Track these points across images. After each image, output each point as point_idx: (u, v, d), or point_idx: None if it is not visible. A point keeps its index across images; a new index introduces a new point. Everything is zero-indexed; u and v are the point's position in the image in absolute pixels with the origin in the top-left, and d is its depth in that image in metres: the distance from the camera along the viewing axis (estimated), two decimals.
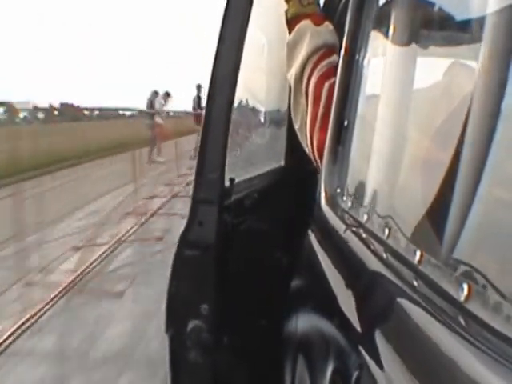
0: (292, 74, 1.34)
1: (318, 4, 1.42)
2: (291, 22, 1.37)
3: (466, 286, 0.49)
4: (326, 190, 1.06)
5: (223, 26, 1.35)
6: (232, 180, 1.44)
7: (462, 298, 0.49)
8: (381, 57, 0.95)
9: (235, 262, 1.47)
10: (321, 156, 1.16)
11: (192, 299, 1.40)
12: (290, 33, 1.37)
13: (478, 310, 0.47)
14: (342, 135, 1.04)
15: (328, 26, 1.35)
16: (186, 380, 1.47)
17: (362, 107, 1.00)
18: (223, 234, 1.40)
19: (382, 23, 0.96)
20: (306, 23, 1.33)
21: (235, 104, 1.44)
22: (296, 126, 1.37)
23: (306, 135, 1.28)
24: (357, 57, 1.04)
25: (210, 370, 1.43)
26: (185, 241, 1.39)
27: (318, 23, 1.34)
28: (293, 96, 1.36)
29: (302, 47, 1.31)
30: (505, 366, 0.41)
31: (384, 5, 1.00)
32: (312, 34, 1.31)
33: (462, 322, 0.49)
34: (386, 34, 0.89)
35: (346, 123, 1.03)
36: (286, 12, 1.39)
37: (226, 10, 1.35)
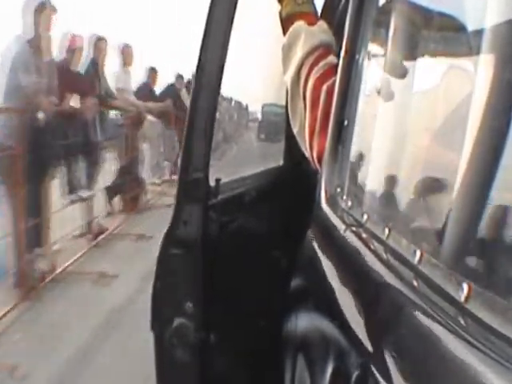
0: (288, 76, 1.33)
1: (313, 3, 1.41)
2: (286, 22, 1.35)
3: (465, 286, 0.49)
4: (326, 189, 1.07)
5: (208, 23, 1.34)
6: (218, 180, 1.45)
7: (462, 298, 0.49)
8: (381, 57, 0.95)
9: (228, 261, 1.47)
10: (321, 160, 1.15)
11: (177, 297, 1.41)
12: (284, 33, 1.36)
13: (478, 310, 0.47)
14: (341, 135, 1.04)
15: (322, 25, 1.33)
16: (173, 378, 1.48)
17: (362, 107, 1.00)
18: (209, 232, 1.41)
19: (382, 23, 0.96)
20: (299, 24, 1.31)
21: (232, 105, 1.45)
22: (295, 130, 1.35)
23: (304, 139, 1.27)
24: (357, 57, 1.04)
25: (197, 368, 1.44)
26: (169, 239, 1.40)
27: (311, 23, 1.32)
28: (290, 99, 1.34)
29: (297, 49, 1.29)
30: (505, 366, 0.42)
31: (384, 5, 1.00)
32: (306, 35, 1.28)
33: (462, 322, 0.49)
34: (386, 34, 0.89)
35: (346, 123, 1.03)
36: (280, 12, 1.37)
37: (211, 6, 1.34)
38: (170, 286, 1.42)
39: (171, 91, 8.38)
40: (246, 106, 17.62)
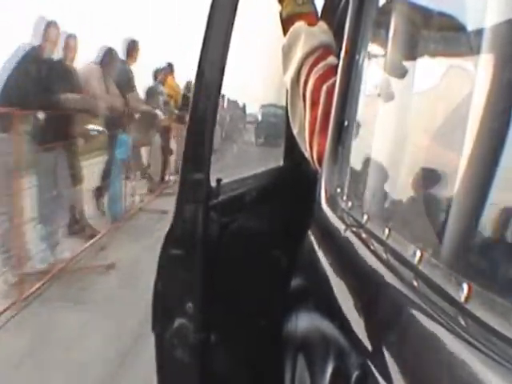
0: (288, 77, 1.33)
1: (313, 3, 1.41)
2: (286, 23, 1.35)
3: (465, 286, 0.49)
4: (326, 189, 1.07)
5: (209, 25, 1.35)
6: (219, 180, 1.45)
7: (462, 298, 0.49)
8: (381, 57, 0.95)
9: (229, 262, 1.47)
10: (321, 161, 1.15)
11: (177, 298, 1.41)
12: (284, 33, 1.36)
13: (478, 310, 0.47)
14: (342, 135, 1.04)
15: (322, 25, 1.33)
16: (173, 378, 1.48)
17: (362, 107, 1.00)
18: (209, 233, 1.41)
19: (382, 23, 0.96)
20: (299, 25, 1.31)
21: (230, 105, 1.45)
22: (295, 131, 1.35)
23: (304, 139, 1.27)
24: (357, 57, 1.04)
25: (197, 368, 1.44)
26: (170, 239, 1.40)
27: (312, 24, 1.32)
28: (290, 100, 1.34)
29: (297, 49, 1.29)
30: (505, 366, 0.42)
31: (384, 5, 1.00)
32: (306, 36, 1.28)
33: (462, 322, 0.49)
34: (386, 35, 0.89)
35: (346, 123, 1.03)
36: (281, 12, 1.37)
37: (212, 7, 1.34)
38: (170, 287, 1.42)
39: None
40: (244, 105, 17.55)
